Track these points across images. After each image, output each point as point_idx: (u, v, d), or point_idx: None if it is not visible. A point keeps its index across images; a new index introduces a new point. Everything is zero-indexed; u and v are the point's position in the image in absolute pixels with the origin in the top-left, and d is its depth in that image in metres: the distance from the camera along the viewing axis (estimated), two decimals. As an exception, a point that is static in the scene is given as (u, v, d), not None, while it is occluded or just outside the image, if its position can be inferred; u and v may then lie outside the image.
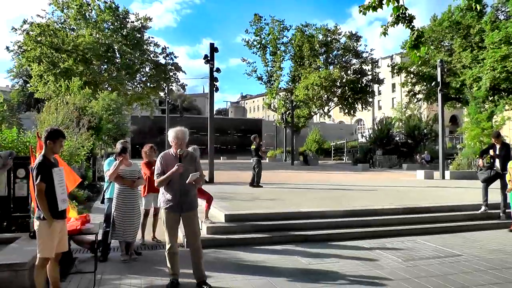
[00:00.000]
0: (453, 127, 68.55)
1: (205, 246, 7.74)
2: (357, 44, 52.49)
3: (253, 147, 16.72)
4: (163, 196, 5.96)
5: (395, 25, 6.03)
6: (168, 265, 5.89)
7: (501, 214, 10.87)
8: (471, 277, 6.43)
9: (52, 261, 5.13)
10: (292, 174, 27.23)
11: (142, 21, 46.71)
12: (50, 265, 5.13)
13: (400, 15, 5.93)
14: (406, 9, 5.92)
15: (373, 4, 5.87)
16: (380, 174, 28.57)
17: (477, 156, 20.70)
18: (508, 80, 34.31)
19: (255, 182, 16.41)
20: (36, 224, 5.07)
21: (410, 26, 6.01)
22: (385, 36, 6.33)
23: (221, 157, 57.11)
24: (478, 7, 5.71)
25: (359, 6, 6.04)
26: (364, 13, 6.10)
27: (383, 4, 5.88)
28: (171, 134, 5.96)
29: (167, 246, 5.86)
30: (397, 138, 46.07)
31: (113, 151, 21.82)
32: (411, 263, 7.18)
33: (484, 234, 9.78)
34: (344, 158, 54.54)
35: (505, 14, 41.51)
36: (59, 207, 5.05)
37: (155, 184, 6.05)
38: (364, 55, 52.60)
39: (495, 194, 11.14)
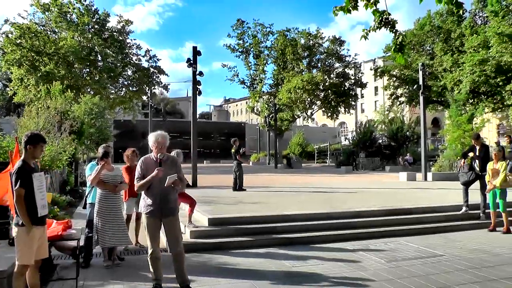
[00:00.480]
0: (435, 129, 69.22)
1: (189, 250, 7.72)
2: (340, 48, 52.75)
3: (233, 150, 16.70)
4: (144, 201, 5.90)
5: (378, 29, 6.07)
6: (151, 270, 5.84)
7: (481, 215, 11.03)
8: (452, 276, 6.50)
9: (32, 268, 5.06)
10: (275, 177, 27.27)
11: (124, 24, 46.49)
12: (30, 272, 5.06)
13: (383, 20, 5.96)
14: (389, 14, 5.97)
15: (347, 7, 5.89)
16: (363, 176, 28.74)
17: (459, 157, 20.99)
18: (487, 83, 34.83)
19: (238, 186, 16.38)
20: (14, 230, 5.00)
21: (393, 30, 6.05)
22: (365, 39, 6.36)
23: (205, 161, 57.03)
24: (461, 11, 5.68)
25: (334, 7, 6.05)
26: (336, 14, 6.12)
27: (358, 6, 5.91)
28: (151, 138, 5.93)
29: (149, 251, 5.81)
30: (380, 141, 46.44)
31: (95, 156, 21.66)
32: (394, 264, 7.23)
33: (465, 234, 9.90)
34: (328, 161, 54.76)
35: (482, 19, 42.23)
36: (39, 213, 4.98)
37: (135, 189, 6.00)
38: (348, 59, 52.90)
39: (475, 195, 11.27)
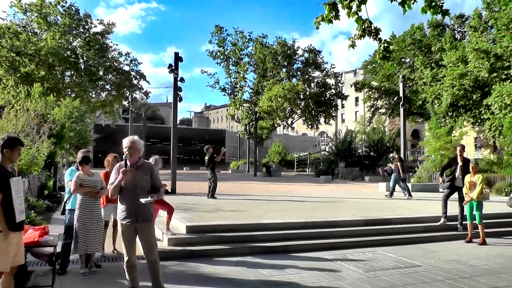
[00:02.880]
0: (414, 141, 69.96)
1: (166, 258, 7.69)
2: (316, 57, 53.08)
3: (206, 158, 16.55)
4: (119, 207, 5.81)
5: (362, 37, 6.11)
6: (128, 278, 5.74)
7: (458, 226, 11.17)
8: (430, 287, 6.58)
9: (7, 275, 4.96)
10: (255, 185, 27.23)
11: (106, 27, 46.19)
12: (5, 279, 4.96)
13: (366, 29, 6.02)
14: (370, 23, 6.02)
15: (328, 17, 5.93)
16: (343, 186, 28.85)
17: (438, 169, 21.29)
18: (465, 97, 35.40)
19: (210, 194, 16.25)
20: (-10, 236, 4.89)
21: (378, 38, 6.10)
22: (353, 48, 6.39)
23: (184, 168, 56.86)
24: (445, 17, 5.71)
25: (315, 19, 6.08)
26: (317, 27, 6.16)
27: (339, 16, 5.95)
28: (124, 142, 5.82)
29: (125, 259, 5.69)
30: (360, 151, 46.74)
31: (74, 160, 21.42)
32: (372, 274, 7.27)
33: (442, 245, 10.02)
34: (307, 170, 54.91)
35: (461, 34, 43.13)
36: (17, 218, 4.88)
37: (109, 194, 5.88)
38: (326, 67, 53.27)
39: (453, 207, 11.40)
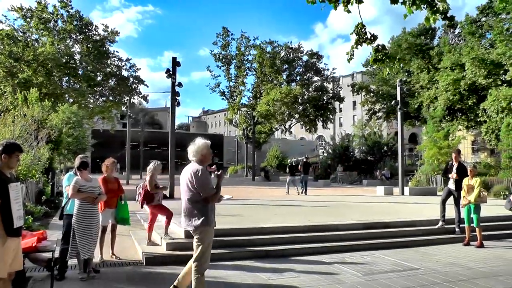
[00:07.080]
0: (412, 144, 70.06)
1: (164, 262, 7.70)
2: (318, 62, 53.33)
3: None
4: (211, 213, 5.88)
5: (359, 45, 6.07)
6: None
7: (456, 229, 11.17)
8: (428, 291, 6.57)
9: (5, 281, 4.95)
10: (253, 190, 27.25)
11: (109, 35, 46.18)
12: (3, 284, 4.95)
13: (361, 36, 5.98)
14: (364, 26, 5.98)
15: None
16: (341, 190, 28.84)
17: (436, 173, 21.38)
18: (461, 101, 35.50)
19: None
20: (-12, 242, 4.88)
21: (374, 45, 6.07)
22: (350, 60, 6.36)
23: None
24: (448, 23, 5.60)
25: None
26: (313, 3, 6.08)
27: None
28: (204, 148, 6.02)
29: (205, 268, 5.75)
30: (357, 155, 46.75)
31: (72, 166, 21.38)
32: (370, 277, 7.28)
33: (440, 248, 10.03)
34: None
35: (456, 39, 43.45)
36: (14, 224, 4.87)
37: (211, 200, 5.85)
38: (326, 73, 53.49)
39: (450, 210, 11.42)
